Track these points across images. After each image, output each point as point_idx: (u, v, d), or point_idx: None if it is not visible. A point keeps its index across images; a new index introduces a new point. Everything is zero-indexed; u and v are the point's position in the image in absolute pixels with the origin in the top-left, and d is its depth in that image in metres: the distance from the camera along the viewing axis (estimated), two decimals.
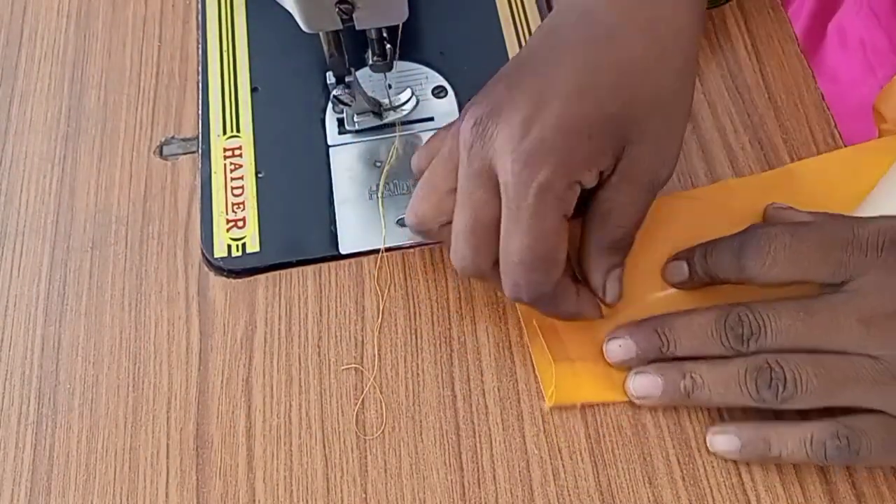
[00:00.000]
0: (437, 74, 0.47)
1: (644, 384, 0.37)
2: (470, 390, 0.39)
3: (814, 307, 0.35)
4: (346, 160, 0.45)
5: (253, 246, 0.43)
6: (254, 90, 0.47)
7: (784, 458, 0.35)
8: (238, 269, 0.42)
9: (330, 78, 0.43)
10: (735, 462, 0.37)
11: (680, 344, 0.37)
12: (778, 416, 0.36)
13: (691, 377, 0.36)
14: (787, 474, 0.37)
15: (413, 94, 0.46)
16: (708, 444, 0.37)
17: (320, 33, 0.40)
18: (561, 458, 0.37)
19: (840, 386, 0.34)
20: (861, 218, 0.36)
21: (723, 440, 0.37)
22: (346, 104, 0.44)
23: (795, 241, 0.35)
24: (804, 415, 0.35)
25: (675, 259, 0.40)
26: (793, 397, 0.34)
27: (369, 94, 0.45)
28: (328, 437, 0.38)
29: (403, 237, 0.43)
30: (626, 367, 0.38)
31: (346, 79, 0.43)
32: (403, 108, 0.46)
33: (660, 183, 0.37)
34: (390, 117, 0.45)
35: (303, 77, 0.47)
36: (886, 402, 0.34)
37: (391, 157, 0.45)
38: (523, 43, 0.48)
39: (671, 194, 0.42)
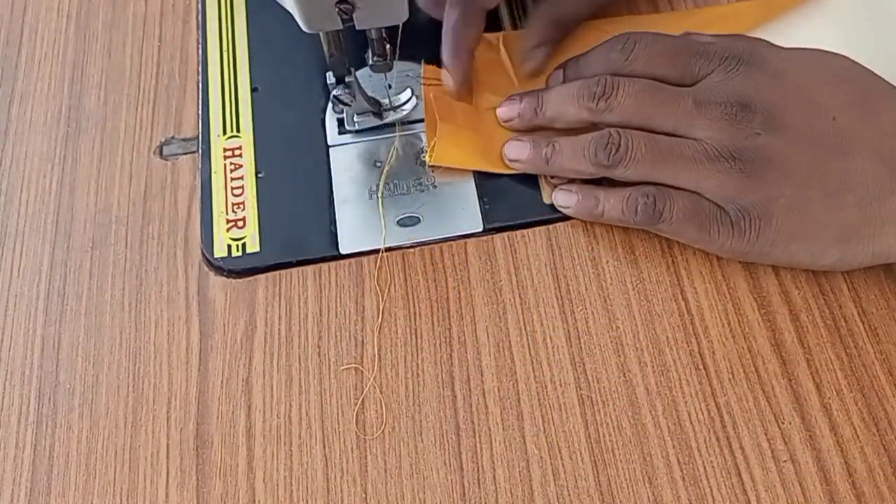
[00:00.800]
0: None
1: (515, 148, 0.43)
2: (470, 390, 0.39)
3: (661, 87, 0.40)
4: (346, 160, 0.45)
5: (253, 246, 0.43)
6: (254, 90, 0.47)
7: (605, 213, 0.41)
8: (238, 269, 0.42)
9: (330, 78, 0.43)
10: (735, 462, 0.37)
11: (549, 106, 0.43)
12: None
13: (552, 146, 0.42)
14: (787, 474, 0.37)
15: (413, 94, 0.46)
16: (553, 200, 0.42)
17: (320, 33, 0.40)
18: (561, 457, 0.37)
19: (664, 158, 0.39)
20: (717, 36, 0.43)
21: (563, 195, 0.42)
22: (346, 104, 0.44)
23: (654, 42, 0.41)
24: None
25: (556, 69, 0.45)
26: (622, 162, 0.39)
27: (369, 93, 0.45)
28: (328, 437, 0.38)
29: (404, 237, 0.43)
30: (507, 131, 0.44)
31: (346, 79, 0.43)
32: (403, 108, 0.46)
33: None
34: (390, 117, 0.45)
35: (303, 77, 0.48)
36: (699, 181, 0.39)
37: (391, 157, 0.45)
38: None
39: (591, 23, 0.48)
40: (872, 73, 0.40)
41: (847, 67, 0.40)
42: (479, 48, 0.45)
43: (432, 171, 0.44)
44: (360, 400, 0.39)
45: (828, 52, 0.41)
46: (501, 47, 0.47)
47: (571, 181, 0.43)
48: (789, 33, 0.45)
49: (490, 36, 0.47)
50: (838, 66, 0.40)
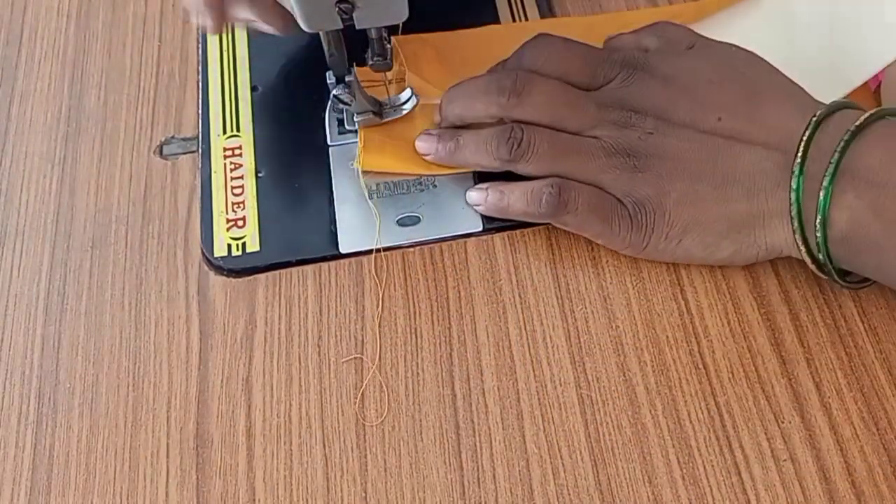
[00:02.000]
0: None
1: (424, 141, 0.44)
2: (469, 389, 0.39)
3: (569, 89, 0.42)
4: (346, 159, 0.45)
5: (253, 245, 0.43)
6: (254, 90, 0.47)
7: (510, 206, 0.42)
8: (238, 268, 0.42)
9: (330, 77, 0.43)
10: (735, 461, 0.37)
11: (456, 104, 0.44)
12: None
13: (456, 140, 0.43)
14: (787, 473, 0.37)
15: (413, 93, 0.46)
16: (466, 199, 0.43)
17: (320, 33, 0.40)
18: (560, 456, 0.37)
19: (564, 153, 0.41)
20: (621, 47, 0.45)
21: (475, 193, 0.43)
22: (346, 104, 0.44)
23: (565, 49, 0.43)
24: None
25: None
26: (524, 156, 0.41)
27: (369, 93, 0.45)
28: (328, 436, 0.38)
29: (404, 237, 0.43)
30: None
31: (346, 78, 0.43)
32: (404, 107, 0.46)
33: None
34: (390, 117, 0.45)
35: (303, 77, 0.48)
36: (597, 174, 0.41)
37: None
38: None
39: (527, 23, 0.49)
40: (767, 67, 0.42)
41: (738, 65, 0.42)
42: (414, 48, 0.47)
43: (364, 175, 0.44)
44: (360, 399, 0.39)
45: (728, 48, 0.43)
46: (433, 49, 0.47)
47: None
48: (727, 29, 0.47)
49: (426, 36, 0.47)
50: (729, 64, 0.42)
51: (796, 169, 0.37)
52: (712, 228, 0.40)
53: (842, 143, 0.37)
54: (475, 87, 0.43)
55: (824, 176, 0.36)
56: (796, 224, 0.38)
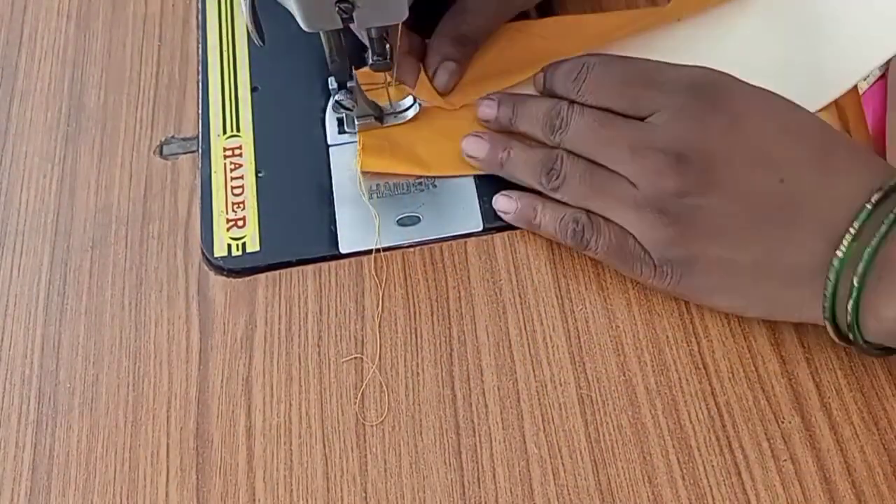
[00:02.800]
0: None
1: (474, 144, 0.43)
2: (470, 389, 0.39)
3: (607, 122, 0.40)
4: (346, 159, 0.45)
5: (253, 245, 0.43)
6: (254, 90, 0.47)
7: (542, 227, 0.41)
8: (238, 268, 0.42)
9: (332, 83, 0.43)
10: (735, 461, 0.37)
11: (520, 123, 0.43)
12: None
13: (508, 152, 0.42)
14: (787, 473, 0.37)
15: (415, 100, 0.46)
16: (493, 204, 0.43)
17: (321, 37, 0.40)
18: (560, 456, 0.37)
19: (597, 193, 0.39)
20: (673, 64, 0.40)
21: (504, 200, 0.42)
22: (347, 109, 0.44)
23: (602, 70, 0.41)
24: None
25: (540, 72, 0.45)
26: (560, 188, 0.40)
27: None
28: (328, 435, 0.38)
29: (404, 237, 0.43)
30: (438, 134, 0.45)
31: (348, 84, 0.43)
32: (405, 114, 0.46)
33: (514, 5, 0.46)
34: (391, 122, 0.45)
35: (303, 77, 0.48)
36: (625, 219, 0.39)
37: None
38: None
39: (522, 23, 0.48)
40: (835, 130, 0.38)
41: (809, 120, 0.38)
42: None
43: (364, 176, 0.44)
44: (360, 399, 0.39)
45: (790, 101, 0.38)
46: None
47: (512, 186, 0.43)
48: (716, 30, 0.47)
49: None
50: (801, 117, 0.38)
51: (836, 261, 0.33)
52: (744, 297, 0.38)
53: (884, 228, 0.32)
54: (535, 112, 0.42)
55: (857, 269, 0.33)
56: (828, 314, 0.35)
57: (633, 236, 0.39)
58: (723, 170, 0.36)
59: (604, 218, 0.40)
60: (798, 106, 0.38)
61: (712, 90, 0.38)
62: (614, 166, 0.39)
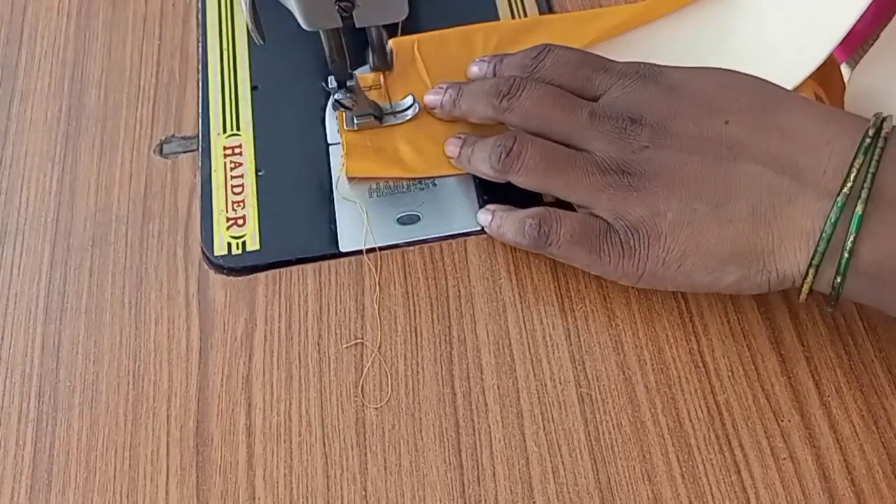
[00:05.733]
0: None
1: (450, 146, 0.44)
2: (469, 388, 0.39)
3: (562, 94, 0.41)
4: None
5: (253, 244, 0.43)
6: (254, 88, 0.47)
7: (504, 234, 0.41)
8: (238, 267, 0.42)
9: (332, 82, 0.43)
10: (734, 460, 0.37)
11: (464, 101, 0.43)
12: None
13: (472, 147, 0.42)
14: (786, 471, 0.37)
15: (415, 100, 0.46)
16: (476, 219, 0.42)
17: (321, 36, 0.40)
18: (560, 455, 0.37)
19: (557, 168, 0.39)
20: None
21: (481, 216, 0.42)
22: (347, 108, 0.44)
23: (560, 52, 0.42)
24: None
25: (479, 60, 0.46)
26: (513, 167, 0.40)
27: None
28: (328, 434, 0.38)
29: (403, 235, 0.43)
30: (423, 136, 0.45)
31: (348, 83, 0.43)
32: (405, 113, 0.46)
33: None
34: (390, 122, 0.45)
35: (303, 75, 0.48)
36: (591, 193, 0.38)
37: None
38: None
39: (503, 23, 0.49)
40: (780, 87, 0.39)
41: (752, 78, 0.39)
42: (396, 52, 0.46)
43: (351, 181, 0.44)
44: (360, 398, 0.39)
45: (733, 70, 0.40)
46: (416, 53, 0.47)
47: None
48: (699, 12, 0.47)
49: (405, 39, 0.47)
50: (742, 75, 0.39)
51: (840, 198, 0.34)
52: (715, 252, 0.36)
53: (873, 164, 0.33)
54: (480, 87, 0.43)
55: (858, 201, 0.33)
56: (819, 252, 0.34)
57: (596, 214, 0.39)
58: (670, 123, 0.38)
59: (561, 209, 0.40)
60: (741, 72, 0.40)
61: (657, 69, 0.41)
62: (571, 136, 0.40)
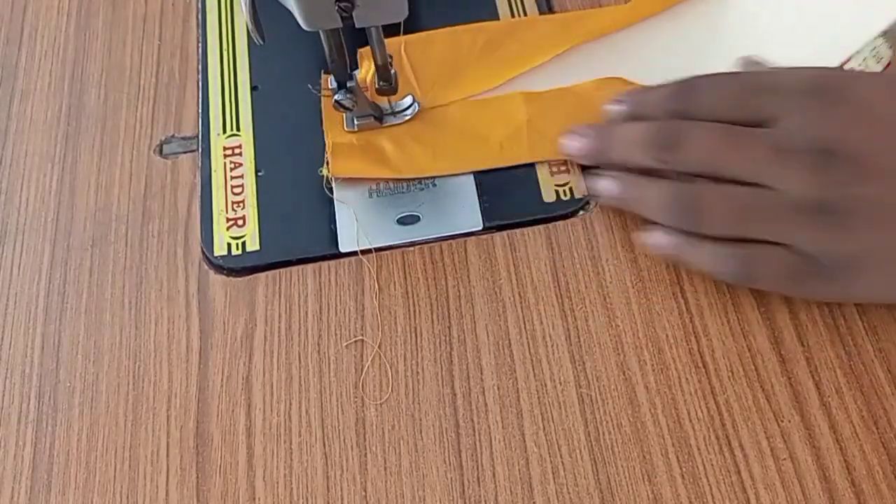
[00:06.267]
0: None
1: (607, 183, 0.41)
2: (469, 388, 0.39)
3: (732, 130, 0.37)
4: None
5: (253, 244, 0.43)
6: (254, 89, 0.47)
7: (698, 263, 0.38)
8: (238, 267, 0.42)
9: (332, 82, 0.43)
10: (734, 460, 0.37)
11: (615, 152, 0.40)
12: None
13: (641, 192, 0.39)
14: (786, 471, 0.37)
15: (414, 100, 0.46)
16: (645, 239, 0.40)
17: (321, 37, 0.40)
18: (560, 455, 0.37)
19: (745, 216, 0.36)
20: (779, 69, 0.39)
21: (659, 235, 0.39)
22: (348, 109, 0.44)
23: (712, 83, 0.38)
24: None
25: (613, 102, 0.42)
26: (704, 222, 0.37)
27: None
28: (328, 435, 0.38)
29: (403, 236, 0.43)
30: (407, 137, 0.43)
31: (348, 84, 0.43)
32: (405, 113, 0.46)
33: None
34: (390, 122, 0.45)
35: (303, 75, 0.47)
36: (791, 235, 0.36)
37: None
38: None
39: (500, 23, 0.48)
40: None
41: None
42: (417, 50, 0.47)
43: (335, 181, 0.44)
44: (360, 398, 0.39)
45: None
46: (403, 54, 0.47)
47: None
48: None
49: (392, 41, 0.47)
50: None
51: None
52: None
53: None
54: (630, 136, 0.39)
55: None
56: None
57: (795, 249, 0.36)
58: (869, 156, 0.35)
59: (755, 243, 0.37)
60: None
61: (832, 84, 0.36)
62: (753, 176, 0.36)
